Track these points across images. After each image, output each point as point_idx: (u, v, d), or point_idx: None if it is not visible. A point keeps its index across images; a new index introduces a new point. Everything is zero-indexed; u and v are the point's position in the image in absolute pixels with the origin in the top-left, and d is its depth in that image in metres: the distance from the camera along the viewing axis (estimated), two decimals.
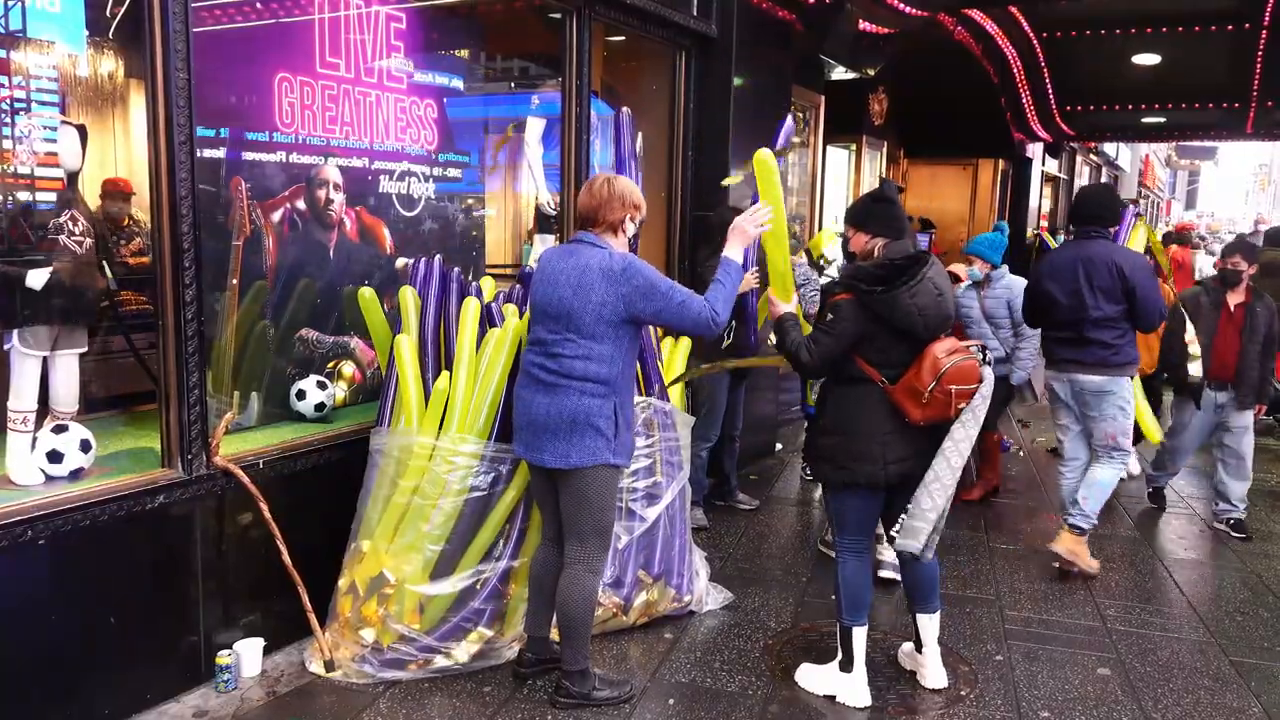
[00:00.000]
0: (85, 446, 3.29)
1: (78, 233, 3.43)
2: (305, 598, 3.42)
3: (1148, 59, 11.25)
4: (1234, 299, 5.21)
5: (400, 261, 4.49)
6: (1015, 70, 11.85)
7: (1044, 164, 15.38)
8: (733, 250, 3.24)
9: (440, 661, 3.45)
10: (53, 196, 3.55)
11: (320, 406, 4.06)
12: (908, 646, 3.63)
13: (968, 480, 5.38)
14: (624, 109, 4.35)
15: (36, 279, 3.33)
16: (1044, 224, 15.76)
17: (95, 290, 3.67)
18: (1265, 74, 10.91)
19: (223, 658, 3.32)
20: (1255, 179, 58.57)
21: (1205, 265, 10.39)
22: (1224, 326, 5.17)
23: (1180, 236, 11.55)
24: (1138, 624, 4.12)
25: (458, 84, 5.36)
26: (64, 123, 3.58)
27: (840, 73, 8.24)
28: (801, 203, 8.06)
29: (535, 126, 6.01)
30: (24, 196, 3.57)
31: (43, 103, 3.61)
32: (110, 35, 4.15)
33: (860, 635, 3.36)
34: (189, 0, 3.10)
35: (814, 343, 3.23)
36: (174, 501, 3.22)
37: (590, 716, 3.25)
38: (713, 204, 5.62)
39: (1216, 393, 5.22)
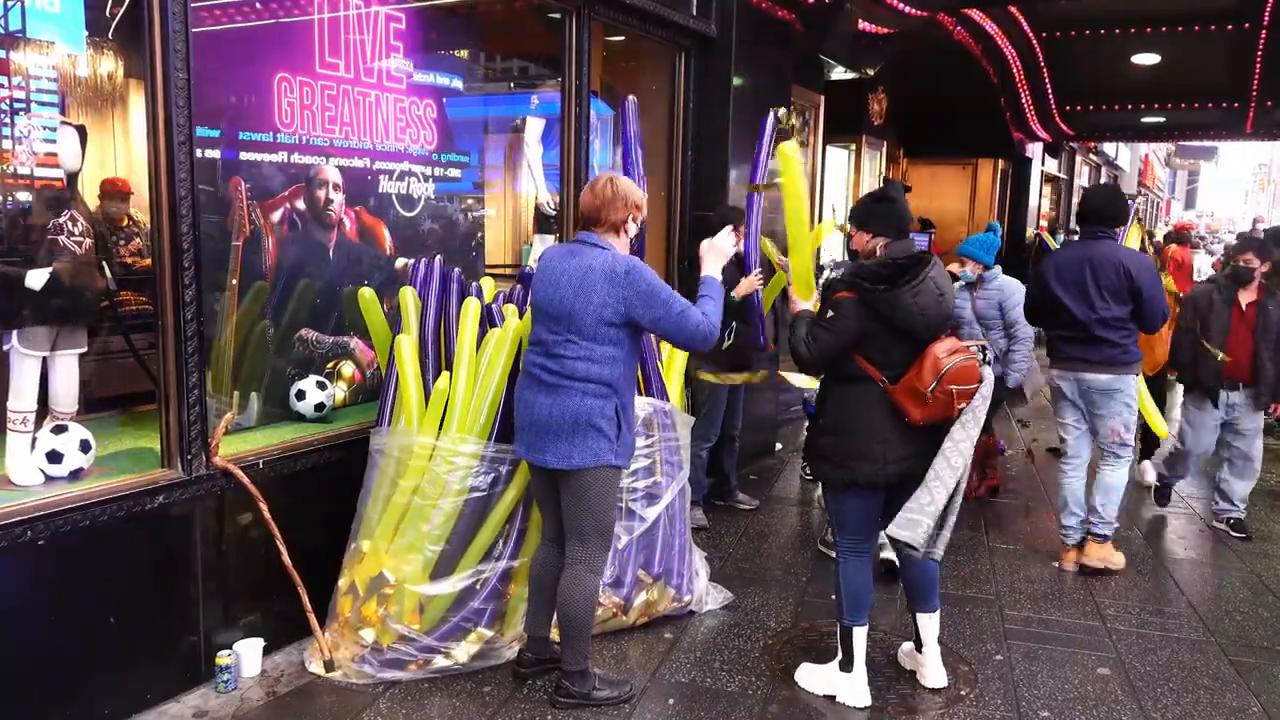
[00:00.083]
0: (85, 447, 3.29)
1: (77, 233, 3.43)
2: (305, 598, 3.42)
3: (1147, 59, 11.25)
4: (1246, 297, 5.14)
5: (400, 262, 4.50)
6: (1015, 70, 11.86)
7: (1044, 164, 15.39)
8: (711, 268, 3.26)
9: (440, 661, 3.45)
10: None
11: (320, 406, 4.06)
12: (908, 646, 3.63)
13: (971, 483, 5.37)
14: (630, 97, 4.34)
15: (36, 279, 3.33)
16: (1044, 224, 15.76)
17: (95, 290, 3.67)
18: (1265, 74, 10.91)
19: (222, 658, 3.32)
20: (1255, 179, 58.59)
21: (1205, 265, 10.38)
22: (1236, 325, 5.11)
23: (1180, 236, 11.55)
24: (1138, 624, 4.13)
25: (457, 84, 5.36)
26: (64, 123, 3.58)
27: (840, 72, 8.24)
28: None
29: (535, 126, 6.02)
30: (24, 196, 3.57)
31: (42, 103, 3.61)
32: (110, 35, 4.15)
33: (860, 635, 3.36)
34: (189, 0, 3.10)
35: (814, 339, 3.23)
36: (174, 502, 3.22)
37: (590, 716, 3.25)
38: (713, 204, 5.62)
39: (1229, 392, 5.16)
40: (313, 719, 3.21)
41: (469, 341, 3.55)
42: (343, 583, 3.53)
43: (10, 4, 3.45)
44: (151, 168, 3.13)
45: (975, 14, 10.29)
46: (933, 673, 3.47)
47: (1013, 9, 10.28)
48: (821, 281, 3.75)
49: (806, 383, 4.91)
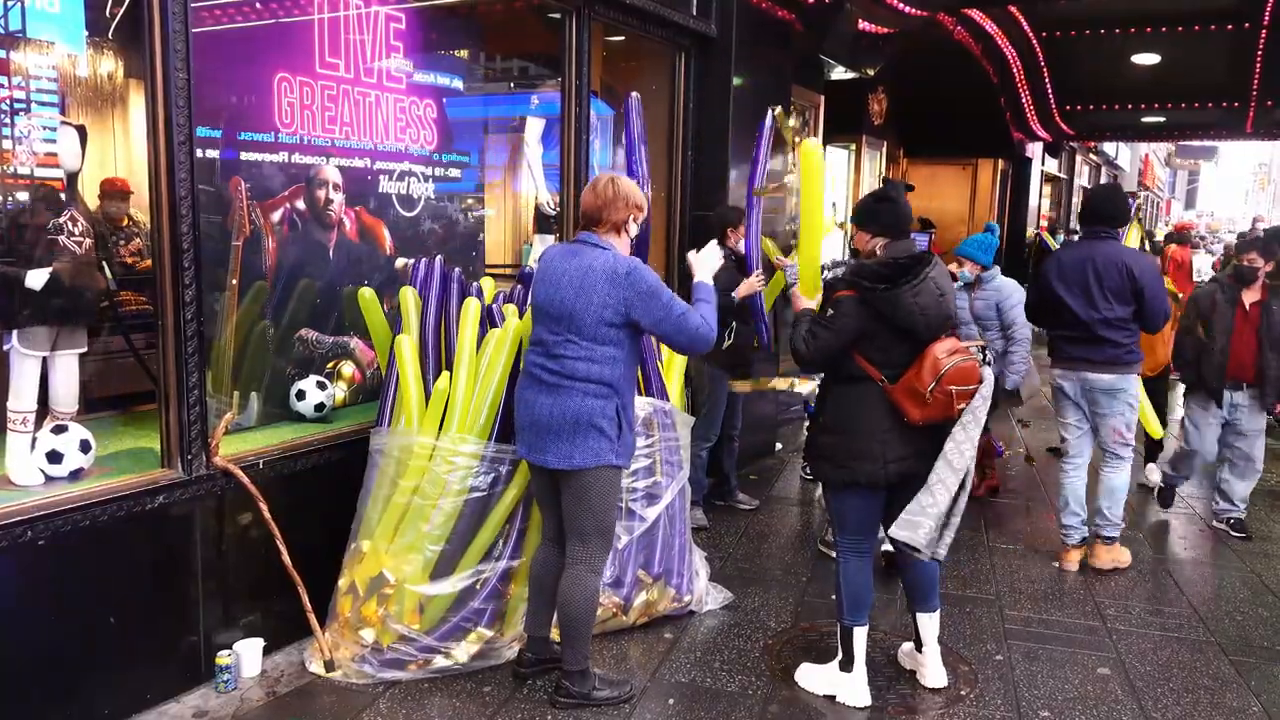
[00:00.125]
0: (85, 447, 3.29)
1: (77, 233, 3.43)
2: (305, 598, 3.42)
3: (1147, 59, 11.25)
4: (1249, 297, 5.11)
5: (400, 261, 4.50)
6: (1015, 70, 11.86)
7: (1044, 164, 15.40)
8: (702, 275, 3.29)
9: (440, 661, 3.45)
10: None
11: (320, 406, 4.06)
12: (908, 646, 3.63)
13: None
14: (633, 93, 4.34)
15: (36, 279, 3.33)
16: (1044, 224, 15.77)
17: (95, 290, 3.67)
18: (1265, 73, 10.92)
19: (223, 658, 3.32)
20: (1255, 178, 58.59)
21: (1204, 265, 10.38)
22: (1240, 325, 5.08)
23: (1180, 236, 11.56)
24: (1138, 624, 4.13)
25: (457, 84, 5.36)
26: (64, 123, 3.57)
27: (840, 72, 8.24)
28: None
29: (535, 126, 6.01)
30: (24, 196, 3.57)
31: (42, 103, 3.61)
32: (110, 35, 4.15)
33: (861, 635, 3.36)
34: (189, 0, 3.10)
35: (813, 337, 3.24)
36: (174, 502, 3.22)
37: (590, 716, 3.25)
38: (713, 204, 5.62)
39: (1233, 392, 5.15)
40: (313, 719, 3.21)
41: (469, 341, 3.55)
42: (343, 583, 3.53)
43: (10, 4, 3.45)
44: (151, 168, 3.13)
45: (975, 14, 10.30)
46: (933, 672, 3.47)
47: (1013, 9, 10.28)
48: (823, 280, 3.76)
49: (802, 385, 4.93)
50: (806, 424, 5.68)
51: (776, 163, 6.12)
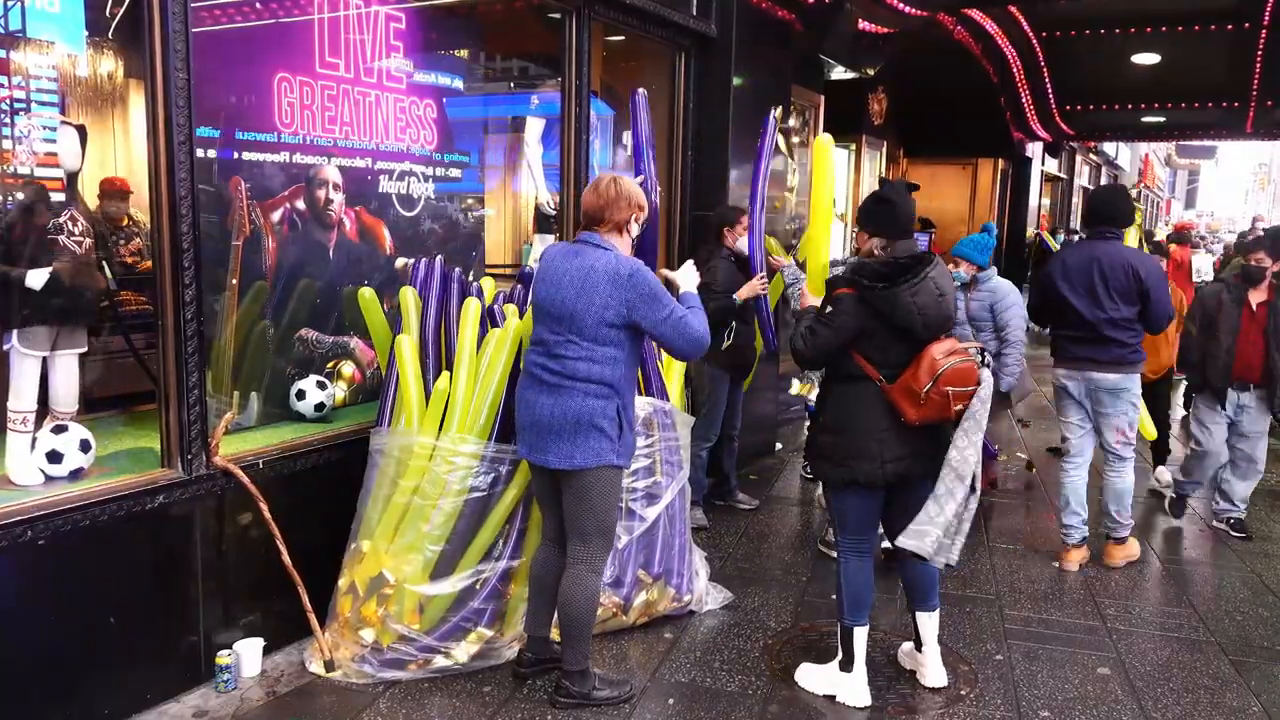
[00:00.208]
0: (85, 446, 3.29)
1: (77, 233, 3.43)
2: (305, 598, 3.42)
3: (1147, 58, 11.25)
4: (1256, 297, 5.06)
5: (400, 261, 4.50)
6: (1015, 70, 11.86)
7: (1044, 163, 15.40)
8: (687, 285, 3.30)
9: (440, 661, 3.45)
10: (54, 197, 3.54)
11: (320, 406, 4.06)
12: (907, 646, 3.63)
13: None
14: (640, 90, 4.33)
15: (36, 279, 3.33)
16: (1044, 223, 15.77)
17: (95, 290, 3.67)
18: (1265, 73, 10.92)
19: (223, 658, 3.32)
20: (1255, 178, 58.57)
21: (1204, 265, 10.35)
22: (1247, 325, 5.04)
23: (1180, 235, 11.55)
24: (1138, 624, 4.13)
25: (457, 84, 5.36)
26: (64, 123, 3.58)
27: (840, 72, 8.24)
28: (802, 202, 8.06)
29: (535, 126, 6.01)
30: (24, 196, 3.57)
31: (42, 103, 3.61)
32: (110, 35, 4.15)
33: (861, 635, 3.36)
34: (189, 0, 3.10)
35: (812, 334, 3.26)
36: (174, 501, 3.22)
37: (590, 716, 3.25)
38: (713, 204, 5.62)
39: (1239, 393, 5.12)
40: (313, 719, 3.21)
41: (469, 341, 3.55)
42: (343, 583, 3.53)
43: (10, 4, 3.45)
44: (151, 168, 3.13)
45: (975, 14, 10.29)
46: (933, 672, 3.47)
47: (1013, 9, 10.28)
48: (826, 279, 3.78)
49: (802, 389, 4.94)
50: (807, 424, 5.67)
51: (776, 163, 6.13)
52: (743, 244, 4.98)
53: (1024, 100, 12.40)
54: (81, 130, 3.50)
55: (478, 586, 3.49)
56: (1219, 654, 3.85)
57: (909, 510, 3.36)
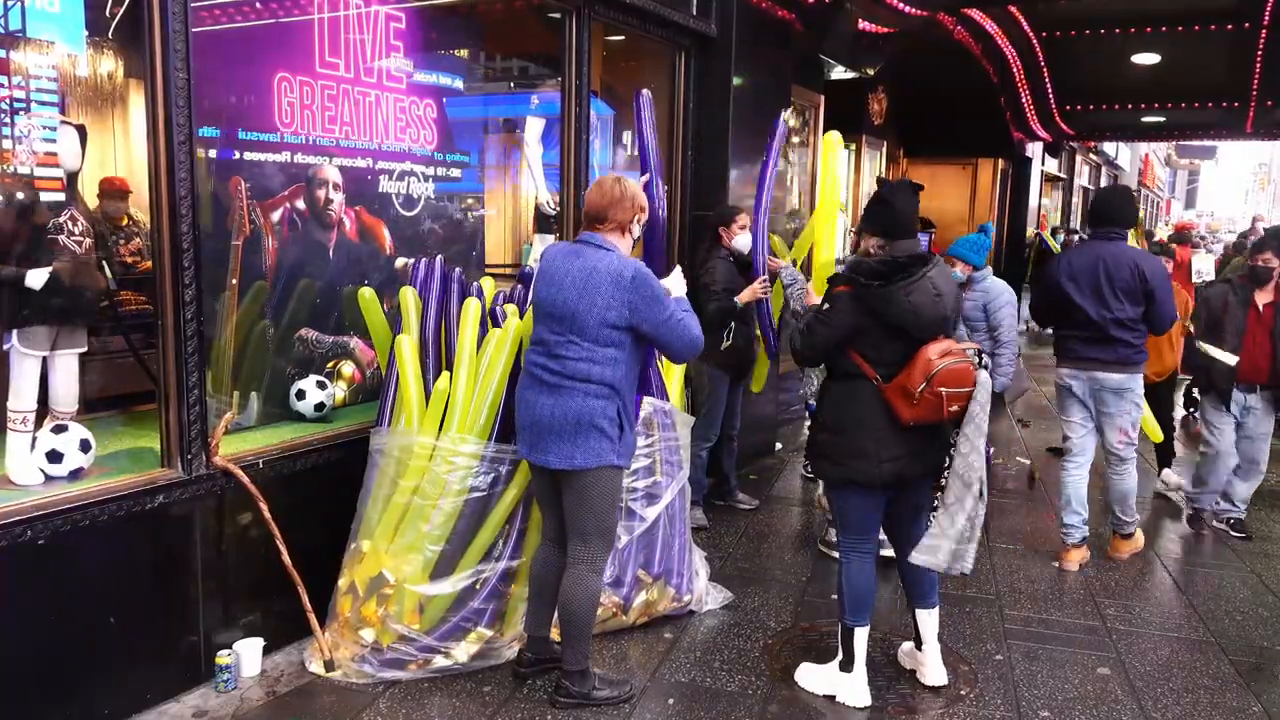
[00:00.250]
0: (85, 446, 3.29)
1: (77, 232, 3.43)
2: (305, 598, 3.42)
3: (1147, 58, 11.25)
4: (1263, 298, 5.02)
5: (400, 261, 4.50)
6: (1015, 70, 11.86)
7: (1043, 163, 15.40)
8: (677, 292, 3.30)
9: (440, 661, 3.45)
10: (54, 197, 3.54)
11: (320, 406, 4.06)
12: (907, 645, 3.63)
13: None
14: (644, 90, 4.33)
15: (36, 279, 3.33)
16: (1044, 223, 15.76)
17: (95, 290, 3.67)
18: (1265, 73, 10.91)
19: (222, 658, 3.32)
20: (1255, 178, 58.56)
21: (1204, 266, 10.34)
22: (1253, 327, 5.00)
23: (1179, 235, 11.55)
24: (1138, 624, 4.13)
25: (457, 84, 5.36)
26: (64, 123, 3.57)
27: (840, 72, 8.24)
28: (801, 201, 8.06)
29: (535, 126, 6.01)
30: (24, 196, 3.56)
31: (42, 103, 3.60)
32: (110, 35, 4.15)
33: (862, 636, 3.35)
34: (189, 0, 3.10)
35: (809, 330, 3.29)
36: (174, 501, 3.22)
37: (590, 716, 3.25)
38: (713, 204, 5.62)
39: (1246, 394, 5.08)
40: (313, 719, 3.21)
41: (469, 341, 3.55)
42: (343, 583, 3.53)
43: (10, 4, 3.45)
44: (151, 168, 3.13)
45: (975, 14, 10.29)
46: (933, 670, 3.47)
47: (1013, 9, 10.28)
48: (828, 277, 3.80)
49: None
50: (808, 424, 5.67)
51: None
52: (738, 243, 4.98)
53: (1024, 100, 12.40)
54: (81, 130, 3.50)
55: (478, 586, 3.49)
56: (1219, 654, 3.85)
57: (910, 513, 3.37)
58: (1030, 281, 13.46)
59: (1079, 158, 19.58)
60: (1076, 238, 14.55)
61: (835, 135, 3.44)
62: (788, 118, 4.95)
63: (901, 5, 7.58)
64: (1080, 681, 3.59)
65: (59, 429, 3.28)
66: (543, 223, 6.14)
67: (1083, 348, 4.56)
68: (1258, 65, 10.79)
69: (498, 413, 3.49)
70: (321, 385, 4.12)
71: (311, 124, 3.97)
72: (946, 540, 3.10)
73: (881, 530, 3.43)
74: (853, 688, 3.35)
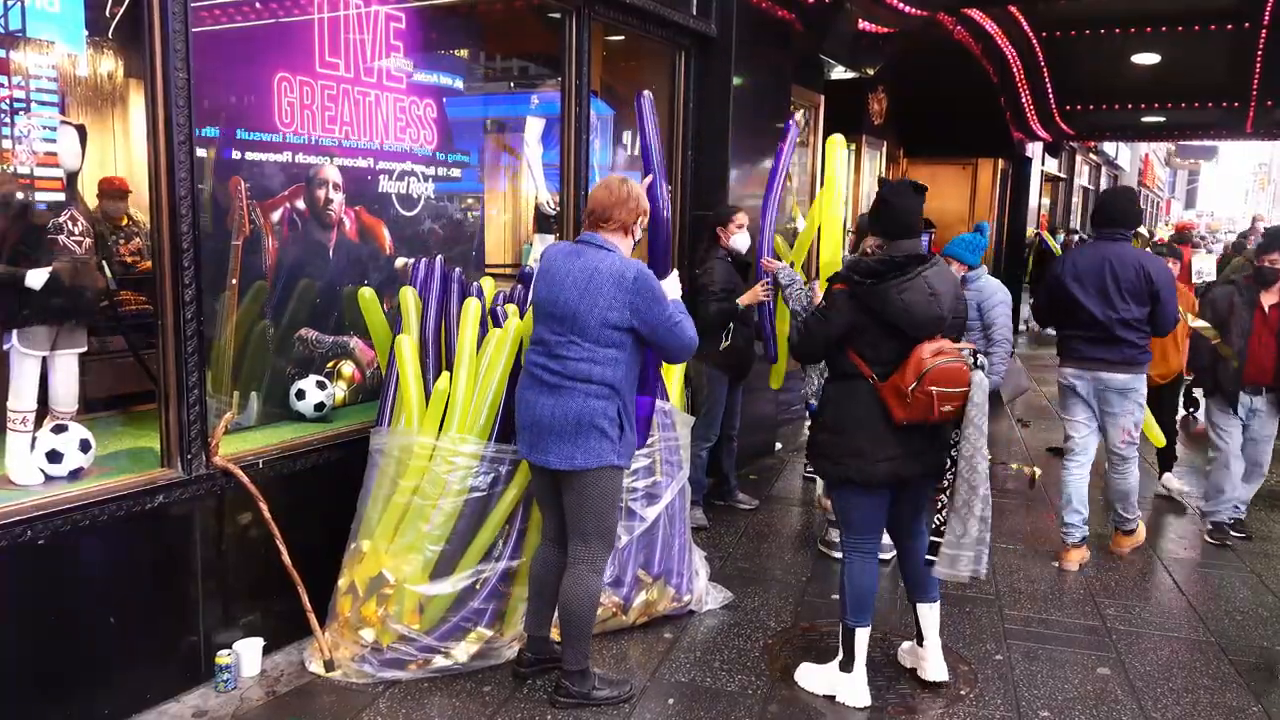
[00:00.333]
0: (85, 446, 3.29)
1: (77, 232, 3.43)
2: (305, 598, 3.42)
3: (1147, 58, 11.24)
4: (1269, 299, 4.99)
5: (400, 261, 4.50)
6: (1015, 70, 11.85)
7: (1043, 163, 15.38)
8: (674, 294, 3.30)
9: (440, 661, 3.45)
10: (54, 197, 3.54)
11: (320, 406, 4.06)
12: (908, 644, 3.63)
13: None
14: (645, 92, 4.33)
15: (36, 279, 3.33)
16: (1044, 223, 15.76)
17: (94, 290, 3.67)
18: (1265, 73, 10.90)
19: (222, 657, 3.32)
20: (1255, 178, 58.54)
21: (1205, 266, 10.33)
22: (1259, 328, 4.97)
23: (1180, 235, 11.56)
24: (1138, 624, 4.13)
25: (458, 84, 5.36)
26: (63, 123, 3.57)
27: (840, 72, 8.24)
28: (801, 202, 8.06)
29: (535, 126, 6.01)
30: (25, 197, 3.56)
31: (42, 103, 3.60)
32: (110, 35, 4.14)
33: (863, 636, 3.35)
34: (189, 0, 3.10)
35: (805, 328, 3.32)
36: (173, 501, 3.22)
37: (590, 716, 3.25)
38: (713, 204, 5.62)
39: (1251, 396, 5.06)
40: (313, 719, 3.21)
41: (469, 341, 3.55)
42: (342, 582, 3.53)
43: (10, 4, 3.45)
44: (151, 168, 3.13)
45: (975, 14, 10.28)
46: (934, 666, 3.47)
47: (1013, 9, 10.27)
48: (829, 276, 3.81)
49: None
50: (808, 424, 5.66)
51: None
52: (736, 242, 4.98)
53: (1024, 100, 12.39)
54: (81, 130, 3.49)
55: (478, 586, 3.49)
56: (1219, 654, 3.85)
57: (911, 512, 3.37)
58: (1030, 281, 13.46)
59: (1079, 158, 19.57)
60: (1077, 238, 14.56)
61: (839, 138, 3.46)
62: (800, 120, 4.94)
63: (901, 5, 7.58)
64: (1080, 681, 3.59)
65: (59, 429, 3.28)
66: (543, 223, 6.14)
67: (1088, 348, 4.57)
68: (1258, 65, 10.79)
69: (498, 413, 3.48)
70: (321, 385, 4.12)
71: (311, 124, 3.97)
72: (964, 550, 3.12)
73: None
74: (853, 688, 3.35)
